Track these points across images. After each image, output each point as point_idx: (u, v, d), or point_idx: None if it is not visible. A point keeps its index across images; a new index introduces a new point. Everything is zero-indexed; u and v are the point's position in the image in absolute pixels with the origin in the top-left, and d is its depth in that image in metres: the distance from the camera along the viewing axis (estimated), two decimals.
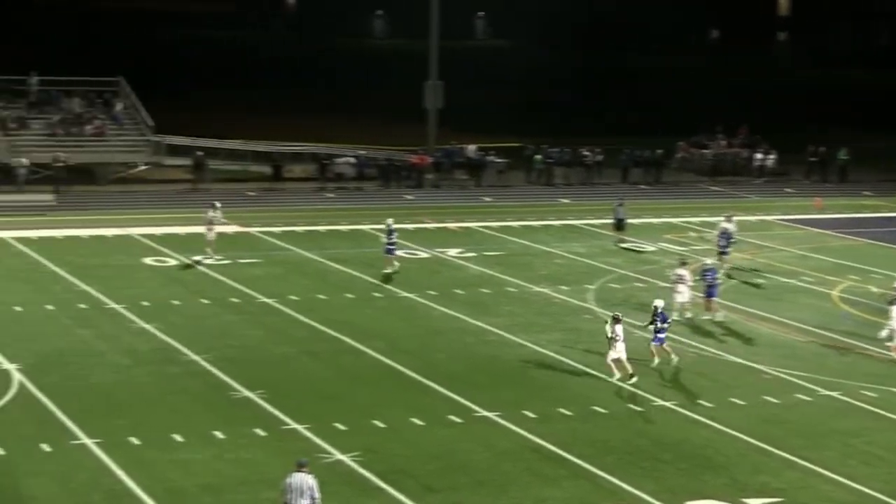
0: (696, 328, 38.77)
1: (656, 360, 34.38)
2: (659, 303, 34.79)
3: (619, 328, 33.17)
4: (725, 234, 46.35)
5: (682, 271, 39.77)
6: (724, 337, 38.03)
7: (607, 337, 33.17)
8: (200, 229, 47.26)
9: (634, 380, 32.85)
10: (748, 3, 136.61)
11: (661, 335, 34.34)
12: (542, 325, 38.81)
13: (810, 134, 77.32)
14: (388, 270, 44.51)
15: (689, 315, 39.36)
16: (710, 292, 39.79)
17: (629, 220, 52.55)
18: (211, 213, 46.61)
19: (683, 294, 39.42)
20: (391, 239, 45.09)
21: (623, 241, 51.10)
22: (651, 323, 34.42)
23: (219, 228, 47.07)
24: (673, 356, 34.54)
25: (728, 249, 46.19)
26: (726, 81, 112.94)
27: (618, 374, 33.09)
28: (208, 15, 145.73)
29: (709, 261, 42.09)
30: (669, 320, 34.82)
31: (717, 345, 37.07)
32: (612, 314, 34.28)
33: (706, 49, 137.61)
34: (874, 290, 44.07)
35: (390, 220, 46.02)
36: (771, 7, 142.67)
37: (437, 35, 69.59)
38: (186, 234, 50.47)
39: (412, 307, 40.53)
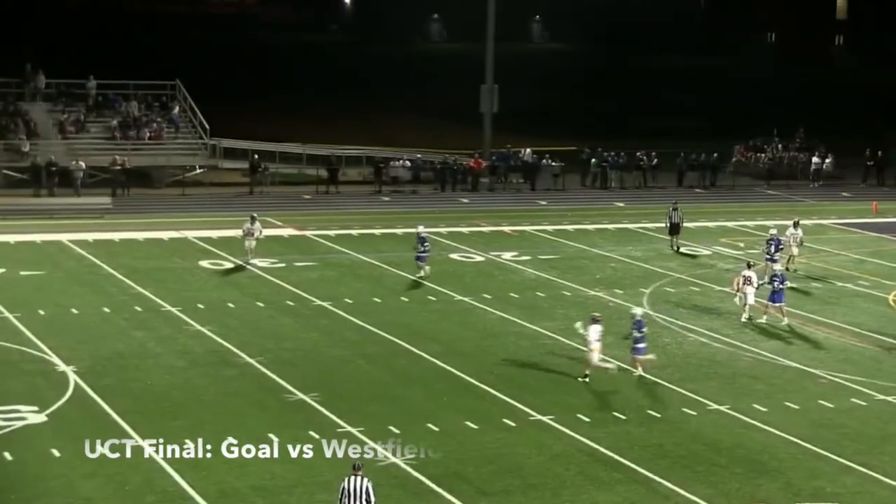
0: (752, 332, 38.53)
1: (638, 370, 33.92)
2: (637, 311, 34.88)
3: (594, 329, 33.03)
4: (775, 241, 45.56)
5: (749, 273, 39.67)
6: (780, 341, 37.78)
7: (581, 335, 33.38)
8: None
9: (586, 380, 32.94)
10: (806, 5, 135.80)
11: (639, 345, 33.83)
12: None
13: (868, 137, 76.75)
14: (421, 275, 44.46)
15: (750, 316, 39.22)
16: (774, 297, 39.55)
17: (685, 224, 52.24)
18: (248, 226, 46.29)
19: (749, 296, 39.31)
20: (424, 247, 44.85)
21: (678, 245, 50.74)
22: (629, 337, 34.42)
23: (255, 238, 46.40)
24: (639, 370, 33.86)
25: (777, 256, 45.23)
26: (784, 84, 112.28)
27: (588, 371, 33.18)
28: (265, 18, 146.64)
29: (778, 266, 41.86)
30: (644, 329, 34.20)
31: (773, 349, 36.83)
32: (591, 315, 34.14)
33: (763, 52, 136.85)
34: None
35: (421, 227, 46.00)
36: (829, 9, 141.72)
37: (493, 38, 69.63)
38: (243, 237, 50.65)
39: (467, 310, 40.54)
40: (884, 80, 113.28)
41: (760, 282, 39.75)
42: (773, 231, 46.40)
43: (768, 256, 45.07)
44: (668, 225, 51.36)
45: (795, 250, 47.10)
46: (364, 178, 67.45)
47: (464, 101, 74.95)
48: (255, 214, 47.22)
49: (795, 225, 47.66)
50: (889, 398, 32.54)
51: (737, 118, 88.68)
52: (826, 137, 75.30)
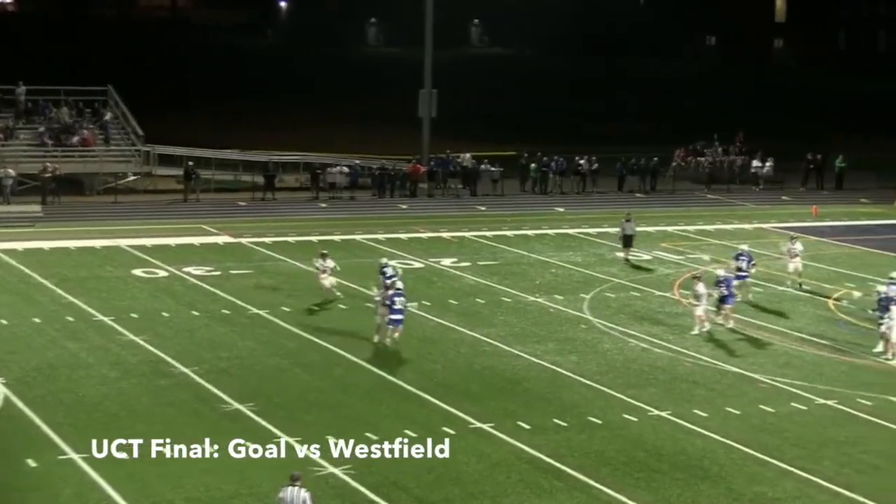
0: (694, 337, 38.72)
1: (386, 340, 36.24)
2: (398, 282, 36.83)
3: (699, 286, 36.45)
4: (746, 256, 44.20)
5: (698, 287, 39.38)
6: (721, 346, 38.00)
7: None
8: (191, 240, 47.11)
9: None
10: (745, 8, 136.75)
11: (394, 317, 36.08)
12: (538, 335, 38.81)
13: (808, 141, 77.43)
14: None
15: (706, 328, 39.16)
16: (723, 300, 39.81)
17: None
18: (320, 262, 42.64)
19: (699, 308, 39.13)
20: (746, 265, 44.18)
21: (629, 256, 50.17)
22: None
23: (329, 278, 42.83)
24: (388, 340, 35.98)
25: (749, 272, 43.98)
26: (723, 89, 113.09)
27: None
28: (198, 22, 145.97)
29: (721, 272, 41.68)
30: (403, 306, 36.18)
31: (714, 354, 37.06)
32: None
33: (703, 56, 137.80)
34: (856, 294, 44.27)
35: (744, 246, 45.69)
36: (768, 12, 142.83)
37: (432, 42, 69.65)
38: (177, 245, 50.48)
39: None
40: (824, 83, 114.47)
41: (710, 292, 39.55)
42: (744, 246, 45.40)
43: (740, 272, 43.68)
44: (622, 237, 50.60)
45: (794, 265, 46.23)
46: (301, 185, 67.25)
47: (402, 106, 74.90)
48: (325, 251, 43.48)
49: (792, 239, 46.78)
50: (829, 402, 32.83)
51: (678, 122, 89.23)
52: (766, 141, 75.92)
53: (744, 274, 43.65)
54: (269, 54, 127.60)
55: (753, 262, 44.73)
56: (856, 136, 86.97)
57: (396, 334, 36.40)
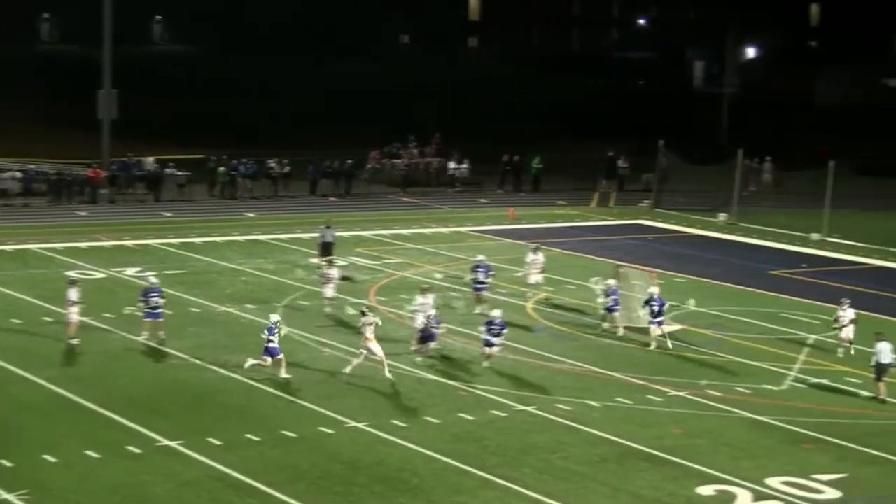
0: (391, 344, 39.03)
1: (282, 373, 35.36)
2: (273, 317, 35.93)
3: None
4: (484, 267, 44.25)
5: (424, 299, 39.14)
6: (417, 354, 38.33)
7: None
8: None
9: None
10: (438, 7, 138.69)
11: (270, 345, 35.15)
12: (229, 346, 38.56)
13: (504, 142, 79.12)
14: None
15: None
16: (610, 309, 41.42)
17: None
18: (325, 272, 44.10)
19: (418, 320, 38.89)
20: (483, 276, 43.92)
21: (322, 265, 49.89)
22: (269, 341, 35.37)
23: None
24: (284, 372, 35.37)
25: (486, 283, 44.18)
26: (417, 88, 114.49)
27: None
28: None
29: (611, 281, 42.17)
30: (276, 332, 35.38)
31: (412, 362, 37.43)
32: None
33: (397, 55, 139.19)
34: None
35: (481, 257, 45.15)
36: (462, 10, 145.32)
37: (111, 39, 68.48)
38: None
39: (87, 331, 39.61)
40: (518, 83, 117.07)
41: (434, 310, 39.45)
42: (481, 257, 45.42)
43: (477, 284, 43.95)
44: (321, 244, 50.54)
45: (535, 279, 46.58)
46: None
47: (80, 108, 73.42)
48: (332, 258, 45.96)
49: (535, 250, 46.95)
50: (528, 408, 33.60)
51: (372, 123, 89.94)
52: (462, 142, 77.29)
53: (481, 285, 44.13)
54: None
55: (492, 273, 45.27)
56: (552, 136, 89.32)
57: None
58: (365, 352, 35.71)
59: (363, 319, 36.07)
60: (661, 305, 40.00)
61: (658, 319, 39.89)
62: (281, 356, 35.32)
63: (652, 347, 39.71)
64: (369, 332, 35.69)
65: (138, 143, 72.97)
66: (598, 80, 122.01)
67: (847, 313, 39.57)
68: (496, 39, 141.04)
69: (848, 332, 39.40)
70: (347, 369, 35.68)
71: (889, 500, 28.74)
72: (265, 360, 35.24)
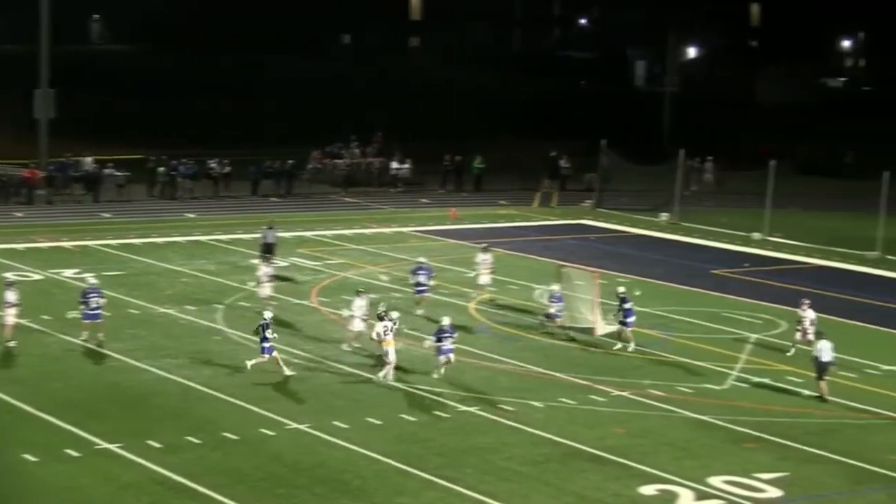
0: (334, 347, 39.01)
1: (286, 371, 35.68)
2: (267, 314, 36.56)
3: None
4: (426, 269, 44.37)
5: (361, 301, 38.97)
6: (363, 356, 38.30)
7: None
8: None
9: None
10: (379, 6, 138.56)
11: (265, 344, 35.42)
12: (168, 348, 38.43)
13: (445, 142, 79.13)
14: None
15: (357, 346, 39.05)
16: (550, 316, 41.56)
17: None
18: (264, 269, 44.50)
19: (355, 323, 38.84)
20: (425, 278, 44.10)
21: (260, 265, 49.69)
22: (256, 333, 36.00)
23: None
24: (286, 369, 35.69)
25: (428, 284, 44.24)
26: (358, 88, 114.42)
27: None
28: None
29: (555, 286, 42.25)
30: (273, 333, 35.76)
31: (355, 363, 37.39)
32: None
33: (338, 55, 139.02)
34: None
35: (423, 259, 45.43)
36: (403, 9, 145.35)
37: (48, 37, 68.02)
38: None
39: (24, 333, 39.31)
40: (460, 82, 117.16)
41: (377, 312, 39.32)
42: (422, 259, 45.42)
43: (419, 287, 43.89)
44: (262, 244, 50.25)
45: (484, 279, 46.94)
46: None
47: (16, 107, 72.86)
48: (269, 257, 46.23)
49: (485, 250, 47.24)
50: (471, 409, 33.63)
51: (314, 123, 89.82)
52: (404, 142, 77.27)
53: (423, 288, 44.10)
54: None
55: (433, 275, 45.30)
56: (494, 136, 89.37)
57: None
58: (392, 355, 35.81)
59: (382, 324, 36.01)
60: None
61: (629, 320, 40.20)
62: (275, 354, 35.60)
63: (631, 348, 39.89)
64: (390, 336, 35.83)
65: (77, 142, 72.44)
66: (540, 80, 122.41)
67: (808, 314, 39.74)
68: (438, 39, 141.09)
69: (808, 333, 39.49)
70: (381, 375, 35.75)
71: (829, 498, 28.98)
72: (263, 357, 35.48)
